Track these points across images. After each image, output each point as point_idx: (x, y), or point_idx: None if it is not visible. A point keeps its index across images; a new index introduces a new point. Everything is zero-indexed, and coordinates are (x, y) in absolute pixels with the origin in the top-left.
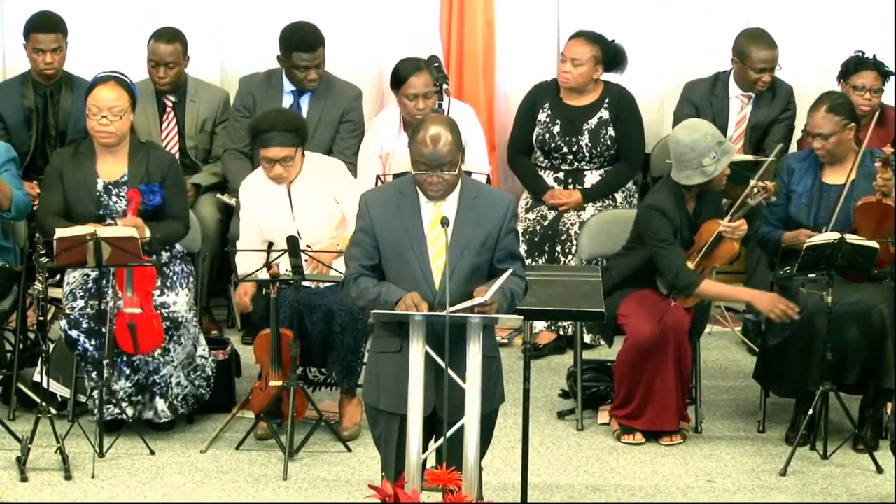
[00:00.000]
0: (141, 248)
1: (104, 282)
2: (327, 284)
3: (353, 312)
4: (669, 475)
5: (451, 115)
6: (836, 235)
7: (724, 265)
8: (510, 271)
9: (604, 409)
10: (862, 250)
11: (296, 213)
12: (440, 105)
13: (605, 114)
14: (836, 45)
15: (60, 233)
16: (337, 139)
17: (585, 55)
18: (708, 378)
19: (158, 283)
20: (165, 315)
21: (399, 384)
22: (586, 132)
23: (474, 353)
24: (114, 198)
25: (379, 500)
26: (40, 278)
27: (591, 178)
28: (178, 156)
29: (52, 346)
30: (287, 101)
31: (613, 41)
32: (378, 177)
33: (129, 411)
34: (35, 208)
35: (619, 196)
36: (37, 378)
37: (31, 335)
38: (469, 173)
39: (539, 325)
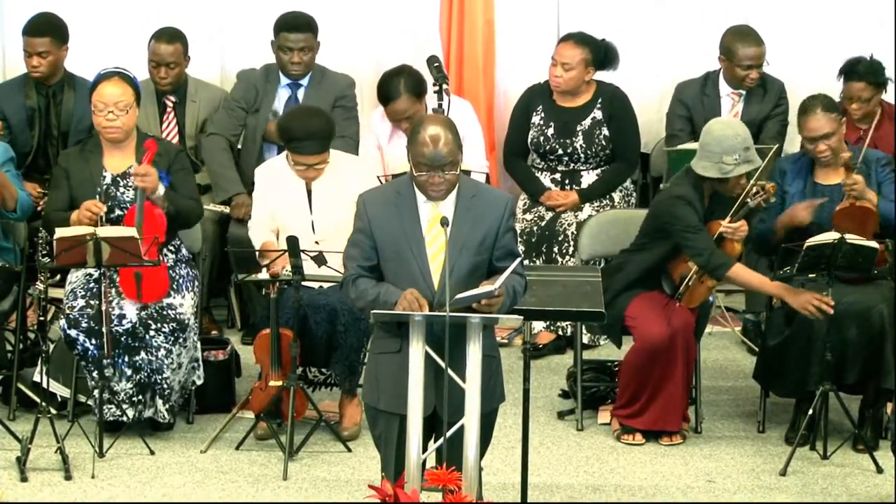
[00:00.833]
0: (161, 202)
1: (106, 282)
2: (330, 284)
3: (356, 312)
4: (669, 475)
5: (449, 112)
6: (836, 235)
7: None
8: (518, 261)
9: (604, 409)
10: (862, 250)
11: (314, 206)
12: (440, 106)
13: (598, 114)
14: (836, 44)
15: (60, 233)
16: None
17: (575, 58)
18: (708, 378)
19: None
20: (172, 317)
21: (399, 384)
22: (580, 133)
23: (474, 353)
24: (122, 189)
25: (379, 501)
26: (42, 278)
27: (588, 178)
28: None
29: (51, 346)
30: (283, 94)
31: (604, 40)
32: (378, 177)
33: (130, 413)
34: (38, 209)
35: (616, 196)
36: (37, 378)
37: (31, 335)
38: (468, 172)
39: (538, 325)
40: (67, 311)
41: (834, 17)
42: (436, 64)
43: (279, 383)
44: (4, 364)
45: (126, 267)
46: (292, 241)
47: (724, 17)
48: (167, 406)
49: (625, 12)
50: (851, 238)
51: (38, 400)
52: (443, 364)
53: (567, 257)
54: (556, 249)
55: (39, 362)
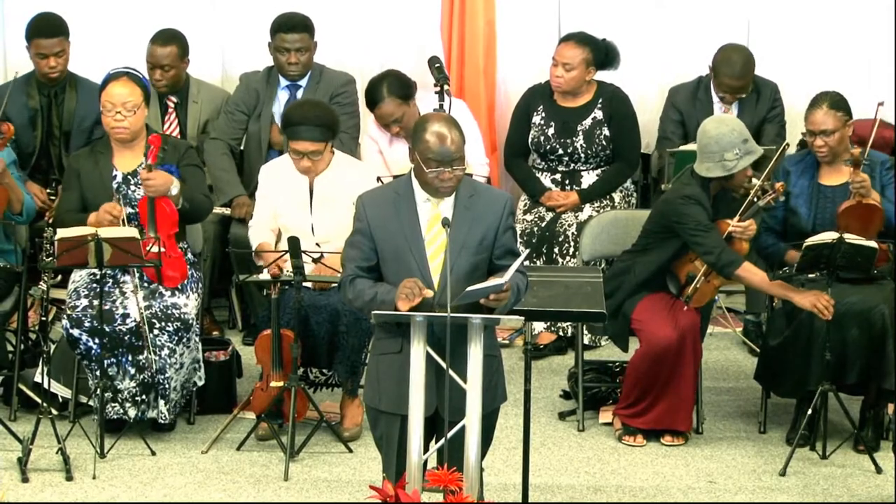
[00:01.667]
0: (175, 200)
1: (110, 283)
2: (333, 285)
3: (358, 313)
4: (670, 476)
5: (450, 112)
6: (835, 235)
7: None
8: (526, 253)
9: (605, 410)
10: (861, 250)
11: (314, 208)
12: (441, 106)
13: (599, 114)
14: (836, 45)
15: (62, 233)
16: None
17: (576, 59)
18: (709, 379)
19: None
20: (177, 316)
21: (400, 385)
22: (581, 133)
23: (475, 354)
24: (132, 187)
25: (380, 501)
26: (45, 279)
27: (588, 178)
28: None
29: (52, 347)
30: (283, 96)
31: (604, 40)
32: (379, 178)
33: (132, 412)
34: (44, 211)
35: (617, 196)
36: (38, 379)
37: (33, 336)
38: (469, 174)
39: (539, 326)
40: (70, 311)
41: (834, 18)
42: (437, 64)
43: (280, 384)
44: (6, 365)
45: (127, 267)
46: (293, 242)
47: (724, 17)
48: (168, 406)
49: (625, 13)
50: (850, 238)
51: (39, 400)
52: (444, 364)
53: (568, 258)
54: (556, 250)
55: (40, 363)
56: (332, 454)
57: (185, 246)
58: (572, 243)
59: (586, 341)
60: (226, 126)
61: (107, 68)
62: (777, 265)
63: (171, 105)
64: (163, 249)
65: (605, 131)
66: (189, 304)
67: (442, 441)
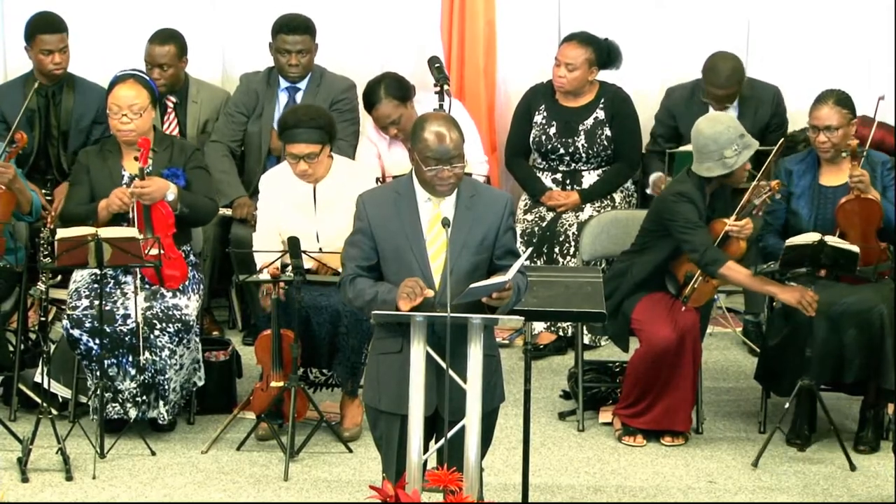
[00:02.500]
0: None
1: (111, 283)
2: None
3: (359, 314)
4: (670, 476)
5: (450, 112)
6: (817, 237)
7: None
8: (528, 252)
9: (605, 410)
10: (843, 252)
11: (318, 213)
12: (441, 106)
13: (600, 114)
14: (835, 47)
15: (62, 233)
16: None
17: (579, 59)
18: (709, 379)
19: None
20: (178, 317)
21: (400, 385)
22: (582, 133)
23: (475, 354)
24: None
25: (380, 501)
26: (43, 279)
27: (589, 178)
28: None
29: (52, 347)
30: (282, 97)
31: (606, 39)
32: (377, 178)
33: (133, 413)
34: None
35: (617, 196)
36: (38, 379)
37: (33, 336)
38: (468, 173)
39: (538, 326)
40: (70, 311)
41: (834, 18)
42: (437, 65)
43: (280, 384)
44: (6, 365)
45: (127, 267)
46: (293, 242)
47: (724, 17)
48: (167, 407)
49: (625, 13)
50: (831, 241)
51: (39, 401)
52: (444, 365)
53: (568, 258)
54: (556, 250)
55: (40, 363)
56: (332, 454)
57: (189, 249)
58: (573, 243)
59: (586, 341)
60: (226, 128)
61: (107, 68)
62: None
63: (171, 105)
64: (161, 251)
65: (607, 131)
66: (190, 305)
67: (442, 441)
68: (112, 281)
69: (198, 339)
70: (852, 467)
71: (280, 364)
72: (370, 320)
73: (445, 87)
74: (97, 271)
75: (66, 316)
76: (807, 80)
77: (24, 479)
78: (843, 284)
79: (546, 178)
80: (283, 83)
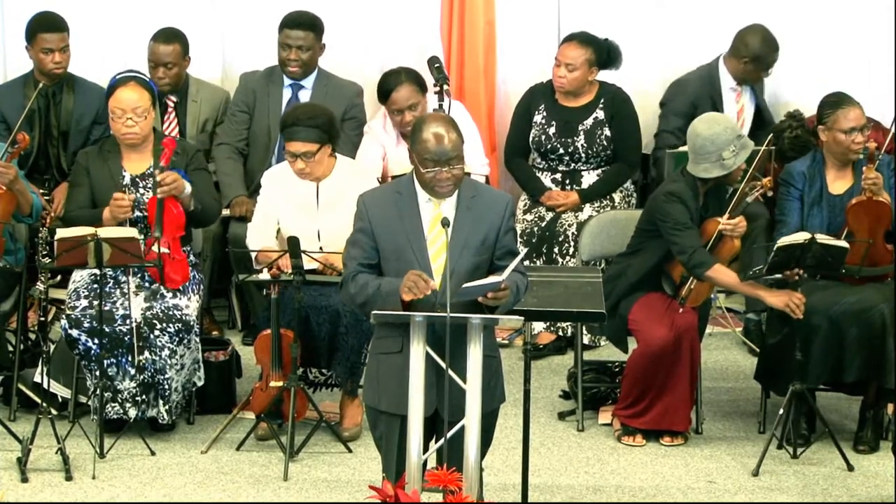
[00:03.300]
0: (186, 203)
1: (110, 283)
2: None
3: (358, 314)
4: (670, 476)
5: (450, 113)
6: (807, 236)
7: (726, 263)
8: (524, 252)
9: (605, 410)
10: (831, 250)
11: (320, 213)
12: (441, 106)
13: (600, 114)
14: (837, 46)
15: (61, 233)
16: (341, 135)
17: (579, 59)
18: (709, 379)
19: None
20: (178, 317)
21: (400, 385)
22: (582, 133)
23: (475, 354)
24: (141, 189)
25: (380, 501)
26: (41, 279)
27: (589, 178)
28: None
29: (52, 347)
30: (286, 94)
31: (607, 40)
32: (378, 178)
33: (132, 412)
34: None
35: (617, 196)
36: (38, 379)
37: (32, 336)
38: (468, 173)
39: (538, 326)
40: (69, 311)
41: (834, 18)
42: (437, 65)
43: (280, 384)
44: (5, 365)
45: (127, 267)
46: (293, 242)
47: (723, 17)
48: (167, 406)
49: (625, 13)
50: (822, 238)
51: (38, 401)
52: (444, 365)
53: (567, 258)
54: (556, 250)
55: (40, 363)
56: (331, 454)
57: (189, 249)
58: (572, 243)
59: (586, 341)
60: (230, 129)
61: (107, 68)
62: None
63: (171, 104)
64: (166, 251)
65: (607, 131)
66: (190, 305)
67: (442, 441)
68: (112, 281)
69: (198, 340)
70: (849, 467)
71: (280, 364)
72: (370, 320)
73: (445, 87)
74: (97, 271)
75: (64, 316)
76: (806, 79)
77: (24, 479)
78: (844, 284)
79: (545, 178)
80: (287, 81)
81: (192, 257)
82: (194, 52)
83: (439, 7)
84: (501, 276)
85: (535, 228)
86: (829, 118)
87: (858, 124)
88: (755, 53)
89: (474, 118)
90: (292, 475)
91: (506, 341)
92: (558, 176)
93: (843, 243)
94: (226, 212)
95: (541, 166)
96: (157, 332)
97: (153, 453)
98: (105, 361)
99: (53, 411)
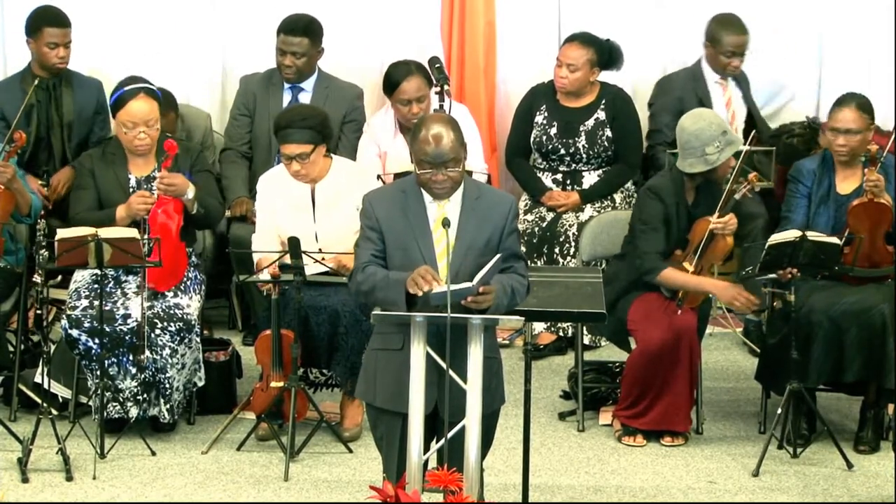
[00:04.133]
0: (189, 206)
1: (111, 284)
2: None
3: (358, 314)
4: (671, 476)
5: (451, 113)
6: (798, 233)
7: (720, 262)
8: (497, 257)
9: (605, 411)
10: (824, 247)
11: (317, 214)
12: (441, 107)
13: (601, 115)
14: (836, 46)
15: (62, 233)
16: (341, 137)
17: (581, 59)
18: (709, 379)
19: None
20: (179, 316)
21: (398, 382)
22: (583, 133)
23: (475, 354)
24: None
25: (380, 501)
26: (40, 278)
27: (590, 179)
28: None
29: (52, 347)
30: (286, 97)
31: (608, 40)
32: (379, 176)
33: (133, 412)
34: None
35: (618, 197)
36: (38, 379)
37: (33, 336)
38: (469, 173)
39: (539, 326)
40: (69, 312)
41: (834, 19)
42: (437, 65)
43: (280, 384)
44: (6, 365)
45: (128, 268)
46: (293, 242)
47: None
48: (169, 405)
49: (625, 13)
50: (813, 235)
51: (39, 401)
52: (444, 366)
53: (568, 258)
54: (557, 250)
55: (40, 363)
56: (332, 454)
57: (191, 250)
58: (573, 243)
59: (586, 342)
60: (233, 132)
61: (106, 67)
62: None
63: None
64: (172, 223)
65: (608, 132)
66: (191, 304)
67: (442, 441)
68: (112, 281)
69: (198, 339)
70: (849, 466)
71: (280, 364)
72: (371, 314)
73: (445, 87)
74: (98, 271)
75: (65, 316)
76: (806, 79)
77: (25, 480)
78: (844, 284)
79: (546, 179)
80: (286, 83)
81: (192, 257)
82: (194, 53)
83: (439, 7)
84: (472, 282)
85: (536, 229)
86: (829, 116)
87: (843, 127)
88: (710, 34)
89: (474, 118)
90: (293, 475)
91: (506, 342)
92: (559, 176)
93: (834, 240)
94: (226, 212)
95: (542, 167)
96: (157, 332)
97: (154, 453)
98: (105, 361)
99: (54, 411)
